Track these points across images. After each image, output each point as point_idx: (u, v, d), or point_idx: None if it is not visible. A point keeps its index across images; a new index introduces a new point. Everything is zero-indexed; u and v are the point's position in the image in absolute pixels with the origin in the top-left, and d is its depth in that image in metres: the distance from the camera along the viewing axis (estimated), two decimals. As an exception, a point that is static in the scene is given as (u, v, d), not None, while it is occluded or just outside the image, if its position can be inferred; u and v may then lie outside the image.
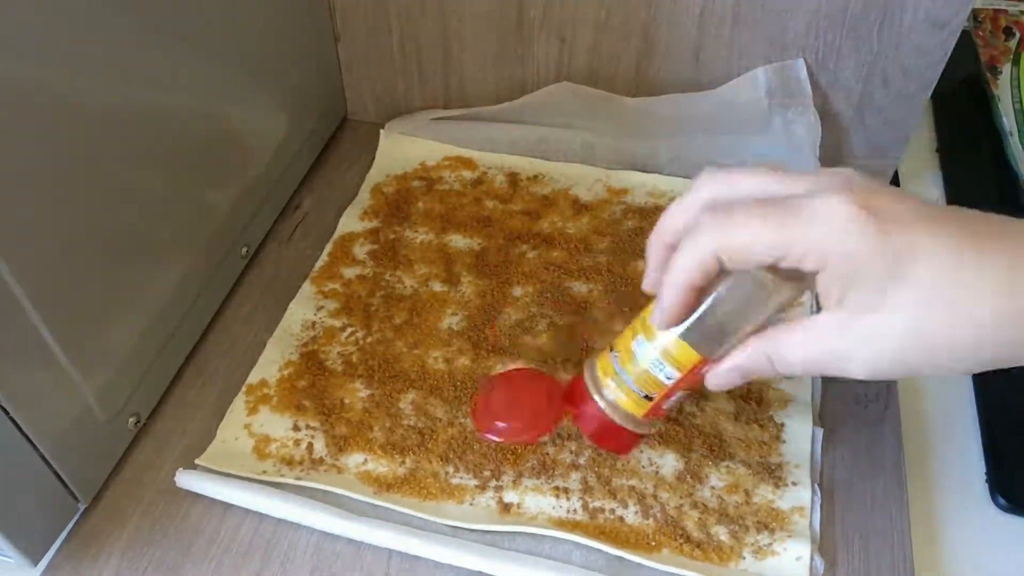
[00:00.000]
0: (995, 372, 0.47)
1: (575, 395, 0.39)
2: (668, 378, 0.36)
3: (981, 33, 0.67)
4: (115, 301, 0.41)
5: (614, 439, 0.39)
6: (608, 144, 0.60)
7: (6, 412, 0.35)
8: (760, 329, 0.33)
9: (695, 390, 0.37)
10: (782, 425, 0.44)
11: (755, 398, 0.45)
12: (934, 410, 0.47)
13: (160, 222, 0.44)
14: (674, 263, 0.32)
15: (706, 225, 0.31)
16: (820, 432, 0.44)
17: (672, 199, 0.56)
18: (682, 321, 0.34)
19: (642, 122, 0.59)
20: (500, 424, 0.41)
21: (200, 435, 0.45)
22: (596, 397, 0.38)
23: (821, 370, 0.32)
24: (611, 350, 0.38)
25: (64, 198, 0.36)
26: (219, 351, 0.49)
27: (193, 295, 0.47)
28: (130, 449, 0.44)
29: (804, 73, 0.54)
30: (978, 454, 0.45)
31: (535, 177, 0.59)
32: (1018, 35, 0.66)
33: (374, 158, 0.61)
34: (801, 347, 0.32)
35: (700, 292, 0.33)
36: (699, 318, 0.34)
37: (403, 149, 0.61)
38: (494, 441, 0.42)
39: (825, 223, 0.29)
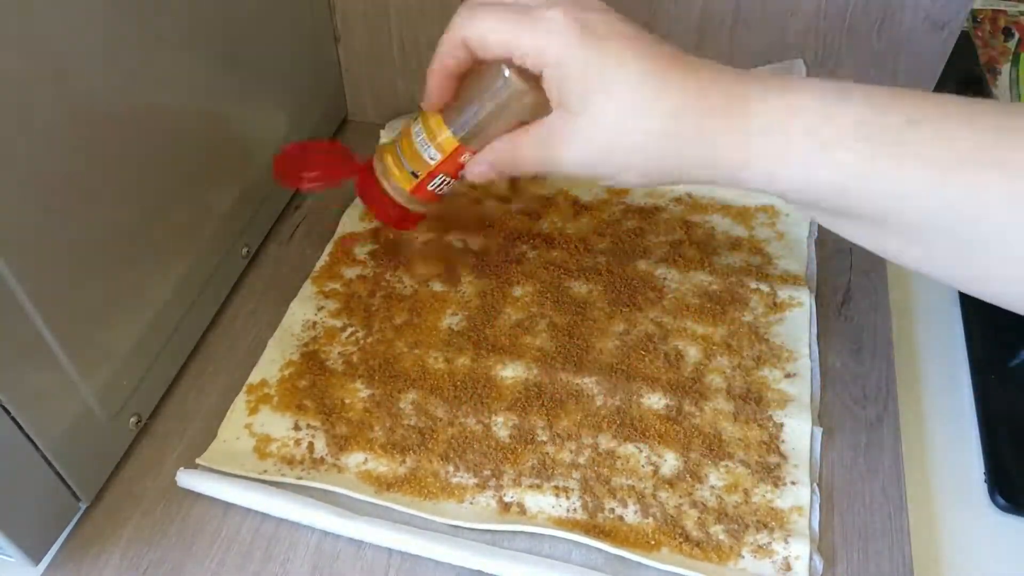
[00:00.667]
0: (994, 372, 0.48)
1: (364, 172, 0.44)
2: (431, 158, 0.40)
3: (980, 33, 0.67)
4: (116, 301, 0.41)
5: (385, 209, 0.43)
6: None
7: (7, 412, 0.35)
8: (511, 129, 0.37)
9: (457, 179, 0.41)
10: (781, 425, 0.44)
11: (754, 398, 0.45)
12: (933, 410, 0.48)
13: (161, 222, 0.44)
14: (436, 52, 0.37)
15: (457, 17, 0.35)
16: (819, 432, 0.44)
17: (672, 200, 0.57)
18: (441, 104, 0.39)
19: None
20: (303, 175, 0.45)
21: (201, 435, 0.45)
22: (376, 166, 0.43)
23: (546, 166, 0.36)
24: (399, 134, 0.42)
25: (65, 198, 0.36)
26: (220, 351, 0.49)
27: (194, 295, 0.47)
28: (131, 449, 0.44)
29: (803, 73, 0.54)
30: (977, 454, 0.45)
31: (534, 177, 0.59)
32: (1017, 35, 0.66)
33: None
34: (532, 144, 0.36)
35: (456, 80, 0.38)
36: (456, 106, 0.38)
37: None
38: (292, 188, 0.47)
39: (544, 29, 0.33)
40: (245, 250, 0.53)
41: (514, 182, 0.59)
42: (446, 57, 0.36)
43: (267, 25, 0.51)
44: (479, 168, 0.39)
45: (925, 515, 0.43)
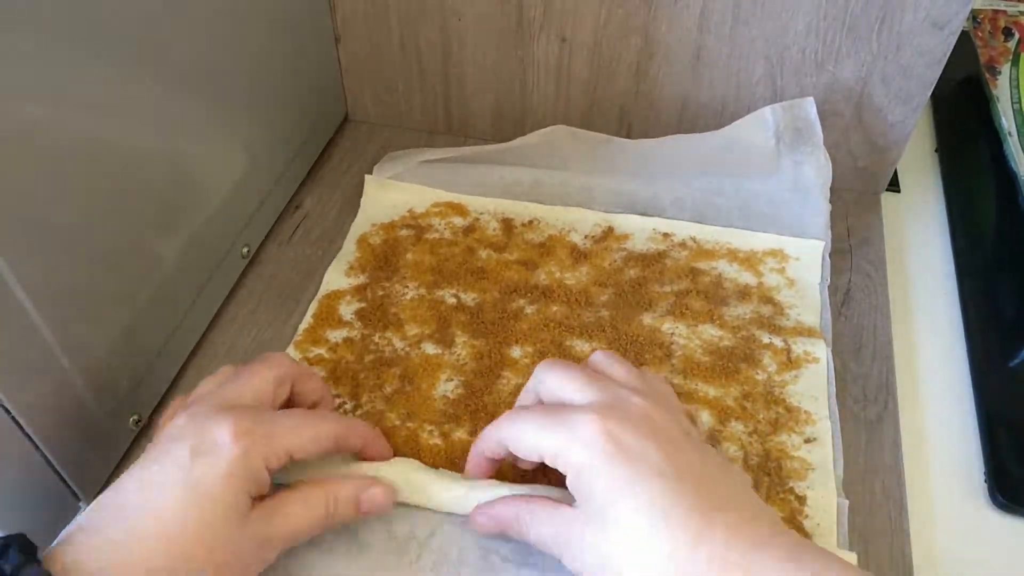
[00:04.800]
0: (994, 372, 0.48)
1: None
2: None
3: (980, 33, 0.67)
4: (115, 300, 0.41)
5: None
6: (606, 186, 0.57)
7: (7, 411, 0.35)
8: None
9: None
10: (804, 497, 0.41)
11: (773, 468, 0.42)
12: (933, 409, 0.48)
13: (161, 221, 0.44)
14: (482, 434, 0.38)
15: (505, 418, 0.37)
16: (845, 504, 0.41)
17: (677, 244, 0.54)
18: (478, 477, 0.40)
19: (642, 163, 0.57)
20: None
21: (201, 434, 0.45)
22: None
23: (548, 549, 0.35)
24: None
25: (65, 197, 0.36)
26: (220, 351, 0.49)
27: (194, 295, 0.47)
28: (131, 449, 0.44)
29: (814, 112, 0.53)
30: (977, 453, 0.45)
31: (530, 223, 0.55)
32: (1017, 35, 0.66)
33: (372, 161, 0.60)
34: (543, 523, 0.35)
35: (495, 465, 0.39)
36: None
37: (390, 195, 0.57)
38: None
39: (571, 435, 0.34)
40: (245, 250, 0.53)
41: (509, 228, 0.55)
42: (484, 450, 0.38)
43: (268, 26, 0.51)
44: (482, 520, 0.38)
45: (925, 515, 0.43)
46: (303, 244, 0.56)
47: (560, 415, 0.35)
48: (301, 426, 0.36)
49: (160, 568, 0.31)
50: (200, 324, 0.49)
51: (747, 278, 0.52)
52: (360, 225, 0.56)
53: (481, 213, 0.56)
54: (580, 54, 0.57)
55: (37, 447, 0.37)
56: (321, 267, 0.53)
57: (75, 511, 0.41)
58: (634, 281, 0.52)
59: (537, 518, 0.36)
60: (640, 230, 0.55)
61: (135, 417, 0.44)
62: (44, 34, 0.33)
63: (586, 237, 0.55)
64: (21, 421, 0.35)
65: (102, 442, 0.42)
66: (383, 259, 0.53)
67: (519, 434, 0.36)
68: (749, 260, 0.53)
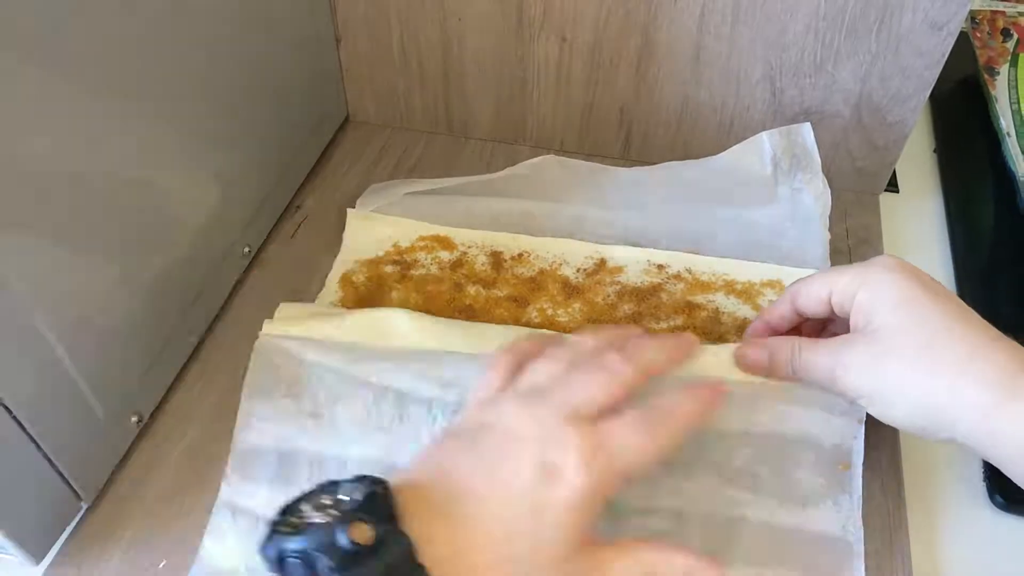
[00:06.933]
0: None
1: None
2: None
3: (979, 34, 0.67)
4: (116, 300, 0.41)
5: None
6: (598, 216, 0.55)
7: (8, 411, 0.35)
8: None
9: None
10: None
11: None
12: (933, 409, 0.48)
13: (160, 221, 0.44)
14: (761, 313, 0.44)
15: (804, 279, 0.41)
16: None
17: (672, 276, 0.52)
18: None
19: (635, 193, 0.55)
20: None
21: (201, 434, 0.45)
22: None
23: (818, 375, 0.39)
24: None
25: (66, 196, 0.36)
26: (221, 350, 0.49)
27: (194, 294, 0.48)
28: (132, 448, 0.44)
29: (811, 138, 0.52)
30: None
31: (520, 256, 0.53)
32: (1016, 36, 0.66)
33: (373, 160, 0.60)
34: (817, 351, 0.39)
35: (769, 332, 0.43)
36: None
37: (373, 230, 0.55)
38: None
39: (873, 267, 0.37)
40: (246, 249, 0.53)
41: (498, 262, 0.53)
42: (771, 319, 0.43)
43: (268, 26, 0.51)
44: (754, 353, 0.42)
45: (925, 515, 0.43)
46: (304, 244, 0.56)
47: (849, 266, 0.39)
48: (646, 442, 0.34)
49: (491, 568, 0.31)
50: (200, 324, 0.49)
51: (746, 311, 0.50)
52: (343, 262, 0.53)
53: (469, 246, 0.54)
54: (580, 54, 0.57)
55: (38, 447, 0.37)
56: (322, 267, 0.53)
57: (76, 511, 0.41)
58: (628, 317, 0.50)
59: (810, 347, 0.39)
60: (634, 262, 0.53)
61: (136, 417, 0.44)
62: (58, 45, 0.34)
63: (578, 270, 0.53)
64: (22, 421, 0.35)
65: (103, 442, 0.42)
66: (367, 300, 0.51)
67: (807, 282, 0.39)
68: (747, 292, 0.51)
